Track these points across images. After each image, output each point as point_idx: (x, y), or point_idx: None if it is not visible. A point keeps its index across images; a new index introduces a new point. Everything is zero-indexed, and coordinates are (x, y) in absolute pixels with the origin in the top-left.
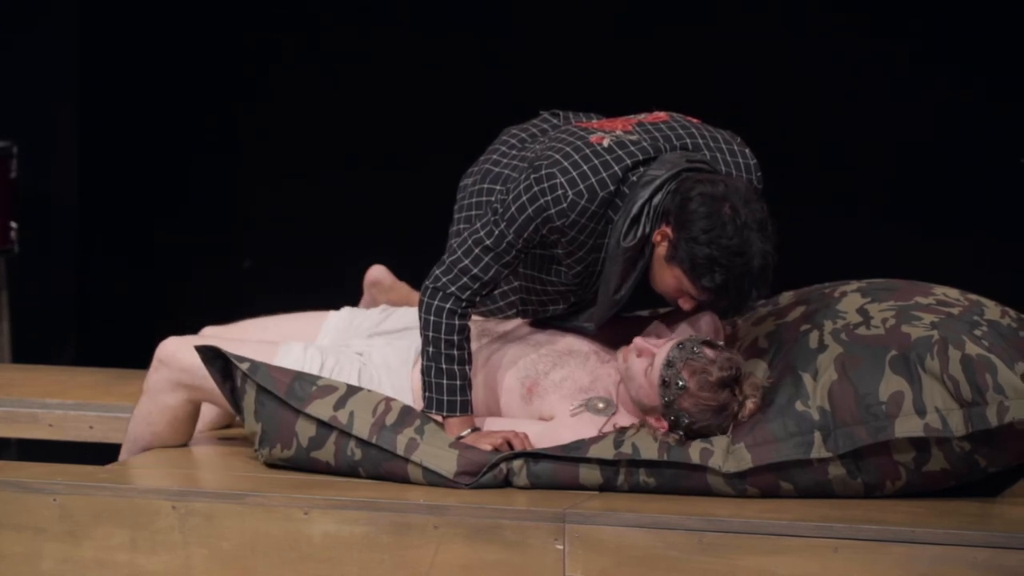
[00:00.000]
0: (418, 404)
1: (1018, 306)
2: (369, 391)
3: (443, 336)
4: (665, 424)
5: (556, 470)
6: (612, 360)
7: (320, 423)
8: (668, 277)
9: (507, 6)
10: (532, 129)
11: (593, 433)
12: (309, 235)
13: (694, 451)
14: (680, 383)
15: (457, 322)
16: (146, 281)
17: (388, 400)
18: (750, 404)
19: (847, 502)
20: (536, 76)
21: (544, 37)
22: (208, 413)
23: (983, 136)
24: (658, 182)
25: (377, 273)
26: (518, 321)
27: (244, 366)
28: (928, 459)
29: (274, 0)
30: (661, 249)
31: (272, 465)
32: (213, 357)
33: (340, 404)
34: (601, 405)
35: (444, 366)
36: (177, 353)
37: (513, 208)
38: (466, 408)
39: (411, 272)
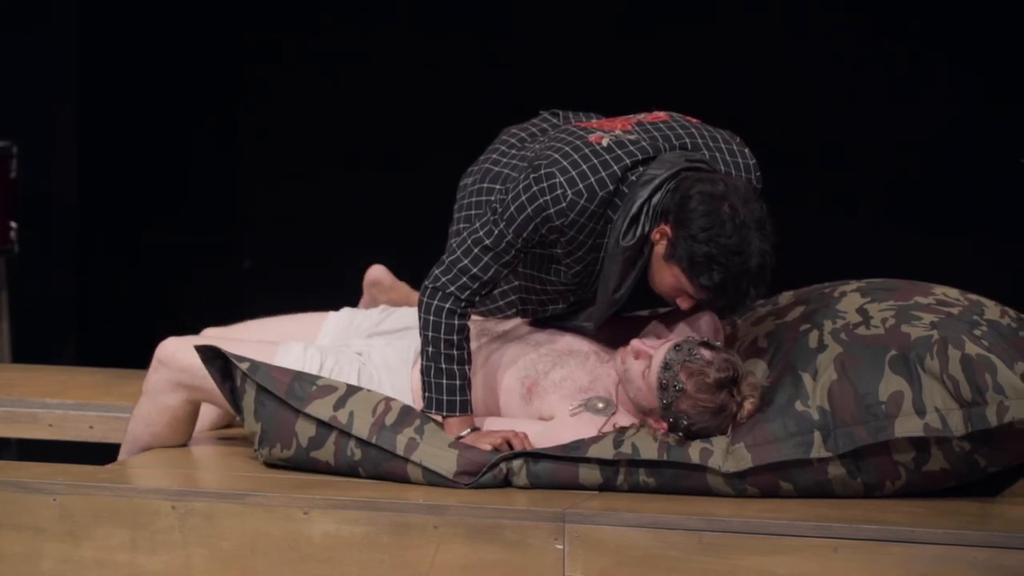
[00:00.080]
0: (418, 404)
1: (1018, 306)
2: (369, 391)
3: (443, 336)
4: (664, 425)
5: (556, 470)
6: (612, 360)
7: (320, 423)
8: (667, 276)
9: (507, 6)
10: (532, 129)
11: (593, 433)
12: (309, 235)
13: (694, 451)
14: (678, 386)
15: (456, 322)
16: (146, 281)
17: (388, 400)
18: (748, 405)
19: (847, 502)
20: (536, 76)
21: (544, 37)
22: (208, 413)
23: (983, 136)
24: (657, 181)
25: (377, 273)
26: (517, 321)
27: (244, 366)
28: (928, 459)
29: (274, 0)
30: (660, 248)
31: (272, 465)
32: (213, 357)
33: (340, 404)
34: (601, 405)
35: (444, 366)
36: (177, 353)
37: (512, 208)
38: (466, 408)
39: (411, 272)
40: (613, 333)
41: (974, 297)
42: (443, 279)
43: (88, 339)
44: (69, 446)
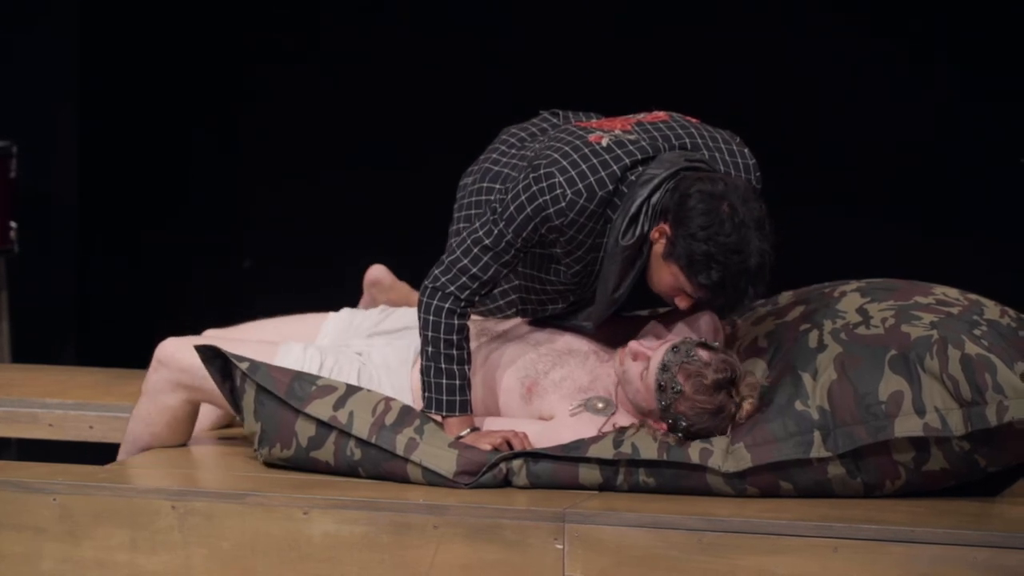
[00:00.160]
0: (418, 404)
1: (1018, 306)
2: (369, 391)
3: (442, 336)
4: (664, 426)
5: (556, 470)
6: (611, 360)
7: (320, 423)
8: (665, 275)
9: (507, 6)
10: (532, 128)
11: (593, 433)
12: (309, 235)
13: (694, 451)
14: (676, 387)
15: (456, 322)
16: (146, 281)
17: (388, 400)
18: (747, 405)
19: (847, 502)
20: (536, 76)
21: (544, 37)
22: (208, 413)
23: (983, 136)
24: (657, 181)
25: (377, 273)
26: (517, 320)
27: (243, 366)
28: (928, 459)
29: (274, 0)
30: (659, 247)
31: (272, 465)
32: (212, 357)
33: (340, 404)
34: (600, 405)
35: (443, 366)
36: (176, 354)
37: (512, 207)
38: (465, 408)
39: (411, 272)
40: (613, 333)
41: (974, 297)
42: (443, 279)
43: (88, 339)
44: (69, 446)
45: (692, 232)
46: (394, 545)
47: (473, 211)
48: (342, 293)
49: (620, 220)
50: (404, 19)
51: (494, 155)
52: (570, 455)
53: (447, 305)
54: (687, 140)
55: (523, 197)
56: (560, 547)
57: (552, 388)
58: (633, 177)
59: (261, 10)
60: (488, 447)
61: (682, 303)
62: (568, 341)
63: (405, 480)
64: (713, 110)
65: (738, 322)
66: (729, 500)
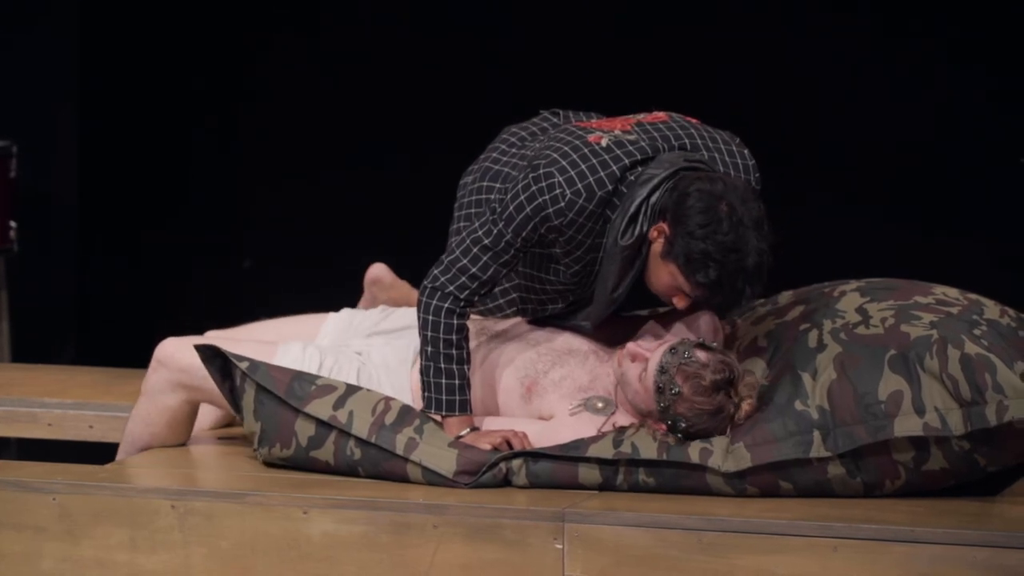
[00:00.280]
0: (417, 404)
1: (1018, 306)
2: (368, 390)
3: (442, 336)
4: (663, 426)
5: (555, 469)
6: (611, 359)
7: (319, 422)
8: (663, 274)
9: (507, 6)
10: (532, 128)
11: (592, 432)
12: (309, 235)
13: (693, 451)
14: (674, 389)
15: (456, 321)
16: (146, 281)
17: (387, 399)
18: (746, 406)
19: (846, 501)
20: (536, 76)
21: (544, 37)
22: (208, 413)
23: (983, 136)
24: (656, 181)
25: (378, 271)
26: (516, 320)
27: (243, 365)
28: (927, 458)
29: (274, 0)
30: (657, 246)
31: (271, 464)
32: (212, 356)
33: (339, 403)
34: (600, 404)
35: (443, 366)
36: (176, 354)
37: (511, 207)
38: (465, 408)
39: (411, 272)
40: (612, 332)
41: (974, 297)
42: (442, 279)
43: (88, 339)
44: (69, 445)
45: (690, 231)
46: (394, 545)
47: (473, 210)
48: (342, 293)
49: (619, 220)
50: (404, 19)
51: (494, 154)
52: (570, 455)
53: (446, 305)
54: (687, 140)
55: (522, 197)
56: (560, 547)
57: (552, 388)
58: (632, 177)
59: (261, 10)
60: (488, 447)
61: (680, 303)
62: (568, 341)
63: (405, 480)
64: (713, 110)
65: (738, 322)
66: (729, 500)
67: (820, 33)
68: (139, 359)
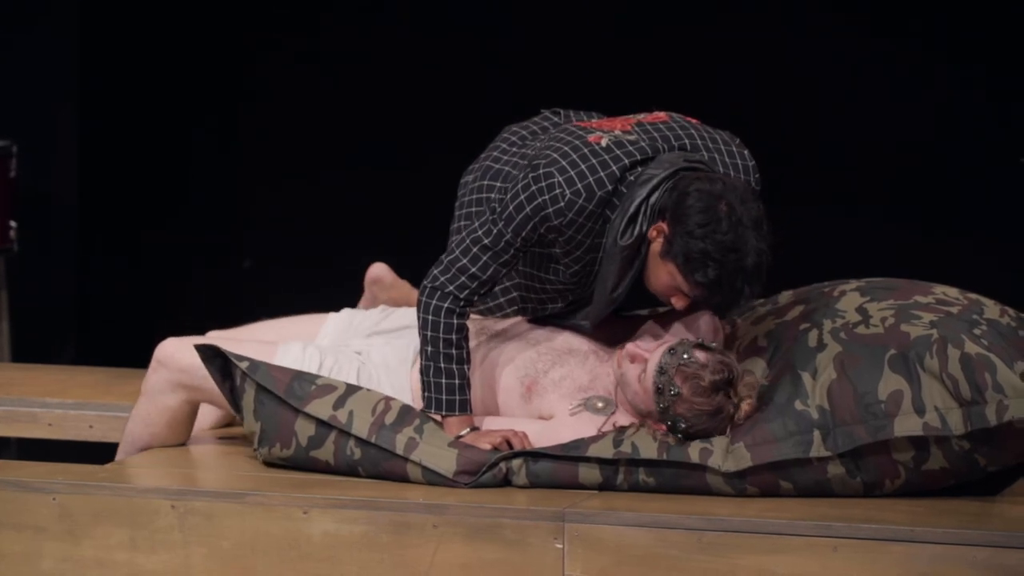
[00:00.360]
0: (417, 403)
1: (1018, 306)
2: (368, 390)
3: (441, 335)
4: (663, 427)
5: (555, 469)
6: (611, 359)
7: (319, 422)
8: (662, 274)
9: (507, 6)
10: (533, 127)
11: (592, 432)
12: (309, 235)
13: (693, 450)
14: (673, 390)
15: (455, 321)
16: (146, 281)
17: (387, 399)
18: (745, 406)
19: (846, 501)
20: (536, 76)
21: (544, 37)
22: (208, 413)
23: (983, 136)
24: (655, 181)
25: (378, 271)
26: (516, 319)
27: (243, 365)
28: (927, 458)
29: (274, 0)
30: (656, 245)
31: (271, 464)
32: (212, 356)
33: (339, 403)
34: (600, 404)
35: (443, 365)
36: (176, 354)
37: (511, 207)
38: (465, 407)
39: (411, 272)
40: (612, 332)
41: (973, 296)
42: (442, 279)
43: (88, 339)
44: (69, 445)
45: (689, 230)
46: (394, 544)
47: (474, 209)
48: (342, 293)
49: (619, 220)
50: (404, 19)
51: (495, 153)
52: (570, 454)
53: (446, 305)
54: (687, 141)
55: (522, 197)
56: (560, 546)
57: (552, 387)
58: (632, 177)
59: (261, 10)
60: (488, 446)
61: (679, 303)
62: (568, 340)
63: (405, 479)
64: (713, 110)
65: (738, 321)
66: (729, 499)
67: (820, 33)
68: (139, 359)
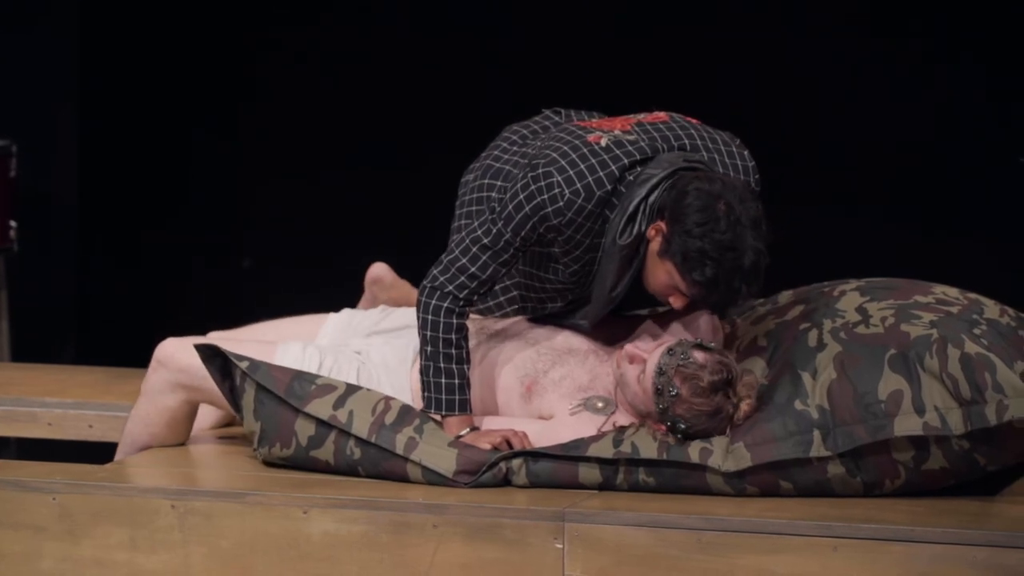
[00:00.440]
0: (417, 403)
1: (1018, 306)
2: (368, 390)
3: (441, 335)
4: (663, 427)
5: (555, 469)
6: (611, 359)
7: (319, 422)
8: (660, 273)
9: (507, 6)
10: (534, 126)
11: (592, 432)
12: (309, 235)
13: (693, 450)
14: (672, 391)
15: (455, 321)
16: (146, 281)
17: (387, 399)
18: (745, 406)
19: (846, 501)
20: (536, 76)
21: (544, 37)
22: (208, 413)
23: (983, 136)
24: (654, 180)
25: (379, 270)
26: (516, 319)
27: (243, 364)
28: (927, 458)
29: (274, 0)
30: (654, 244)
31: (271, 464)
32: (212, 356)
33: (339, 403)
34: (600, 404)
35: (442, 365)
36: (176, 354)
37: (510, 206)
38: (465, 407)
39: (411, 272)
40: (612, 332)
41: (973, 296)
42: (441, 279)
43: (88, 339)
44: (68, 445)
45: (687, 229)
46: (393, 544)
47: (474, 208)
48: (342, 293)
49: (618, 219)
50: (404, 19)
51: (496, 152)
52: (570, 454)
53: (446, 304)
54: (687, 141)
55: (521, 196)
56: (560, 546)
57: (551, 387)
58: (631, 177)
59: (261, 9)
60: (488, 446)
61: (677, 302)
62: (568, 340)
63: (405, 479)
64: (713, 110)
65: (737, 321)
66: (729, 499)
67: (820, 33)
68: (139, 359)
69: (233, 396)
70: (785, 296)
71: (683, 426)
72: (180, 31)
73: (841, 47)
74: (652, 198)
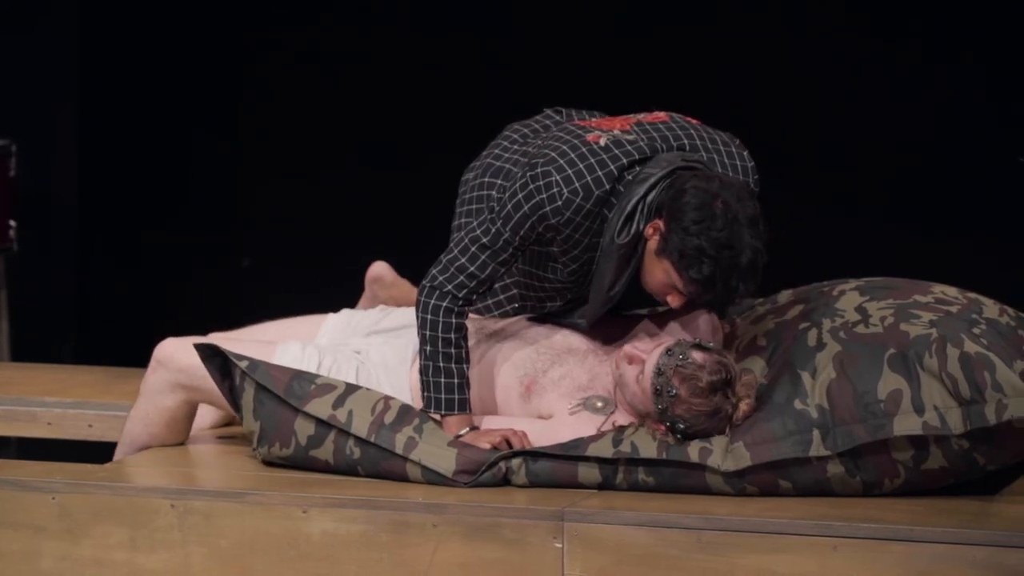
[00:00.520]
0: (417, 403)
1: (1018, 306)
2: (368, 390)
3: (440, 335)
4: (662, 427)
5: (555, 469)
6: (610, 359)
7: (319, 422)
8: (658, 271)
9: (507, 6)
10: (534, 125)
11: (592, 431)
12: (309, 235)
13: (693, 450)
14: (671, 391)
15: (454, 320)
16: (146, 281)
17: (387, 399)
18: (744, 406)
19: (846, 500)
20: (536, 76)
21: (544, 37)
22: (207, 412)
23: (983, 136)
24: (653, 180)
25: (379, 269)
26: (515, 318)
27: (243, 364)
28: (927, 457)
29: (274, 0)
30: (652, 243)
31: (271, 464)
32: (212, 355)
33: (339, 403)
34: (600, 404)
35: (442, 365)
36: (175, 354)
37: (509, 206)
38: (464, 407)
39: (411, 272)
40: (611, 331)
41: (973, 296)
42: (440, 278)
43: (88, 339)
44: (68, 444)
45: (685, 227)
46: (393, 544)
47: (475, 206)
48: (342, 293)
49: (616, 218)
50: (404, 19)
51: (496, 150)
52: (569, 454)
53: (445, 304)
54: (686, 141)
55: (520, 195)
56: (559, 546)
57: (551, 387)
58: (630, 177)
59: (261, 10)
60: (487, 446)
61: (674, 301)
62: (567, 339)
63: (404, 479)
64: (713, 110)
65: (737, 321)
66: (728, 499)
67: (820, 33)
68: (139, 359)
69: (232, 396)
70: (784, 296)
71: (682, 426)
72: (180, 31)
73: (841, 47)
74: (650, 197)
